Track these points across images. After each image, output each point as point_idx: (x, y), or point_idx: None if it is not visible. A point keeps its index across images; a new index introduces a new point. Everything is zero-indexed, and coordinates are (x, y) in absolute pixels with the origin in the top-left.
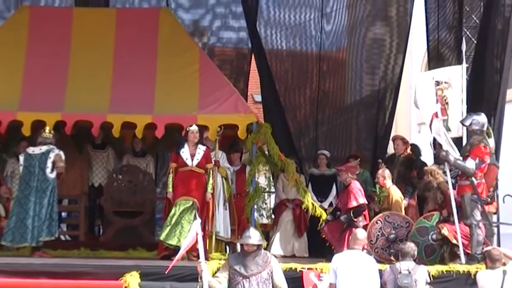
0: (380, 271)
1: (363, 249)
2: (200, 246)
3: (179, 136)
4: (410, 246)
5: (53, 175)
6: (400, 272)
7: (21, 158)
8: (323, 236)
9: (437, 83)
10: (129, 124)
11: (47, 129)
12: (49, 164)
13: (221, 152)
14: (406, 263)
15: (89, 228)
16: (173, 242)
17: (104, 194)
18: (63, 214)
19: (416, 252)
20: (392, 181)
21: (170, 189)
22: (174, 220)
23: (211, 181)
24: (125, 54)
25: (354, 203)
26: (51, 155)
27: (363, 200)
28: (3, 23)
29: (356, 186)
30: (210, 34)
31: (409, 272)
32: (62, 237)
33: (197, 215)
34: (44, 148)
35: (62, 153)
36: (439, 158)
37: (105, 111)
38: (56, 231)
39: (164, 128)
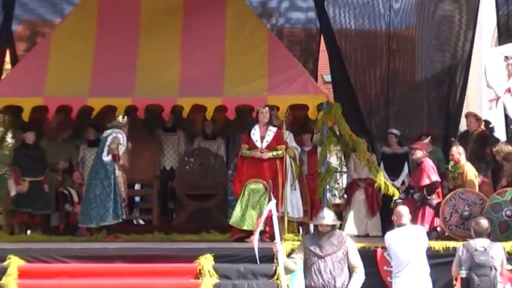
0: (453, 249)
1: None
2: (275, 227)
3: (250, 118)
4: (484, 223)
5: (108, 158)
6: (476, 250)
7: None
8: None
9: (507, 58)
10: (199, 107)
11: (121, 114)
12: (105, 148)
13: (288, 132)
14: (480, 240)
15: (162, 212)
16: (246, 225)
17: (176, 177)
18: (136, 199)
19: (490, 229)
20: (465, 158)
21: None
22: (244, 203)
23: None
24: (193, 37)
25: (426, 181)
26: (109, 138)
27: (435, 177)
28: (72, 9)
29: (429, 163)
30: (278, 15)
31: (485, 249)
32: (135, 222)
33: (272, 196)
34: (109, 132)
35: (121, 136)
36: None
37: (175, 95)
38: (123, 214)
39: (235, 110)
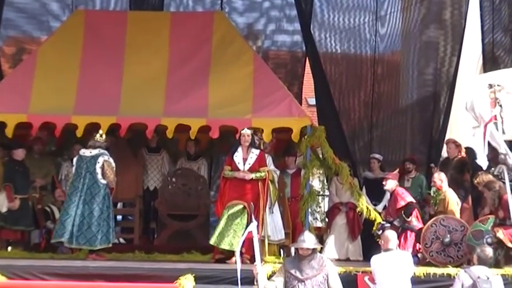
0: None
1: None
2: (256, 249)
3: (234, 140)
4: (490, 252)
5: (104, 181)
6: (479, 277)
7: (75, 159)
8: (378, 241)
9: (490, 86)
10: (183, 127)
11: (100, 132)
12: (98, 169)
13: (267, 155)
14: (482, 268)
15: (143, 231)
16: (225, 246)
17: (159, 197)
18: (118, 217)
19: (492, 260)
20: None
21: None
22: (224, 224)
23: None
24: (179, 57)
25: (402, 203)
26: (100, 160)
27: (410, 198)
28: (59, 27)
29: (400, 189)
30: (264, 38)
31: (488, 278)
32: (117, 241)
33: (253, 218)
34: (95, 152)
35: (111, 160)
36: (493, 161)
37: (159, 114)
38: (113, 238)
39: (219, 131)
